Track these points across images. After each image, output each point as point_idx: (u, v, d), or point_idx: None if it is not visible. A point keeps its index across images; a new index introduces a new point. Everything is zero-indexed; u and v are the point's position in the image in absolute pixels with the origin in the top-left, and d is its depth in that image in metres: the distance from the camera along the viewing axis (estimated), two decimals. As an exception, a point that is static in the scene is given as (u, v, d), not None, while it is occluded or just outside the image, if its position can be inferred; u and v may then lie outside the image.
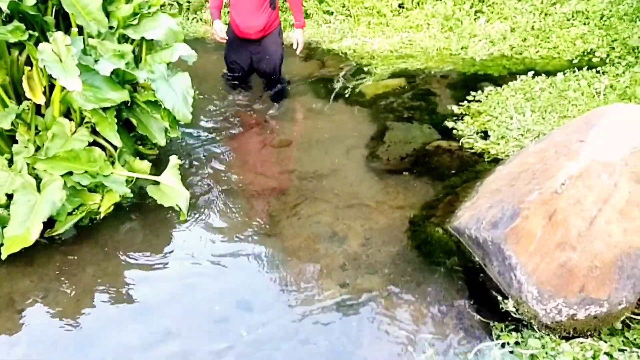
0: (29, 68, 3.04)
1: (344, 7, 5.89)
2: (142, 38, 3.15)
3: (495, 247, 2.62)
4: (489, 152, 3.71)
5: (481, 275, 2.75)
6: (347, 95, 4.50)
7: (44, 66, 2.60)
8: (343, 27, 5.67)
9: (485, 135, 3.90)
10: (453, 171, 3.53)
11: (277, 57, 4.24)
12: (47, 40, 2.90)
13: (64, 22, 3.22)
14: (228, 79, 4.48)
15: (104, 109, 2.97)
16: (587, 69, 4.65)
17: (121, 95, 2.96)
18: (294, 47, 4.23)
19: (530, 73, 4.66)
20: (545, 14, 5.54)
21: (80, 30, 3.06)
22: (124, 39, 3.18)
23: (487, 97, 4.39)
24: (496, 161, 3.58)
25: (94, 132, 3.06)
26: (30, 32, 2.85)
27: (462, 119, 4.11)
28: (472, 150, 3.75)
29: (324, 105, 4.36)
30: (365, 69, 4.96)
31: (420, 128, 4.03)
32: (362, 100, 4.43)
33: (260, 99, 4.40)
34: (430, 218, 3.11)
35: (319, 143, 3.90)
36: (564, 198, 2.47)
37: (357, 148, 3.80)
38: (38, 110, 3.07)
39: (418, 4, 5.90)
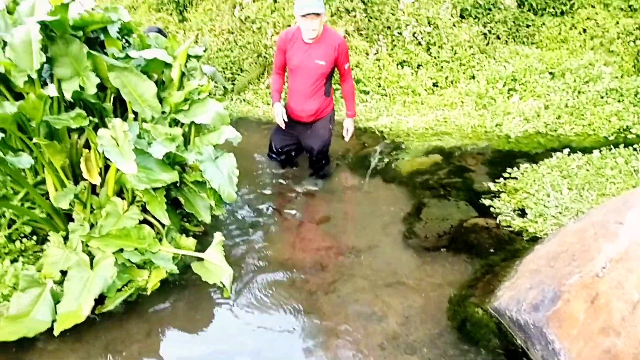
0: (87, 150, 3.21)
1: (379, 86, 6.01)
2: (192, 122, 3.29)
3: (538, 331, 2.58)
4: (527, 230, 3.69)
5: (524, 359, 2.70)
6: (383, 172, 4.56)
7: (103, 150, 2.74)
8: (379, 105, 5.78)
9: (522, 213, 3.88)
10: (491, 249, 3.51)
11: (324, 140, 4.33)
12: (105, 125, 3.08)
13: (120, 107, 3.41)
14: (272, 158, 4.58)
15: (155, 189, 3.08)
16: (624, 147, 4.64)
17: (171, 176, 3.05)
18: (344, 134, 4.35)
19: (566, 150, 4.66)
20: (579, 92, 5.58)
21: (136, 116, 3.25)
22: (174, 122, 3.33)
23: (523, 174, 4.39)
24: (535, 240, 3.56)
25: (144, 210, 3.17)
26: (90, 118, 3.02)
27: (498, 196, 4.12)
28: (510, 228, 3.73)
29: (361, 182, 4.42)
30: (401, 146, 5.01)
31: (456, 205, 4.05)
32: (398, 177, 4.47)
33: (301, 177, 4.47)
34: (470, 297, 3.09)
35: (357, 219, 3.94)
36: (605, 281, 2.46)
37: (394, 224, 3.83)
38: (93, 189, 3.22)
39: (452, 82, 6.00)
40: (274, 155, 4.54)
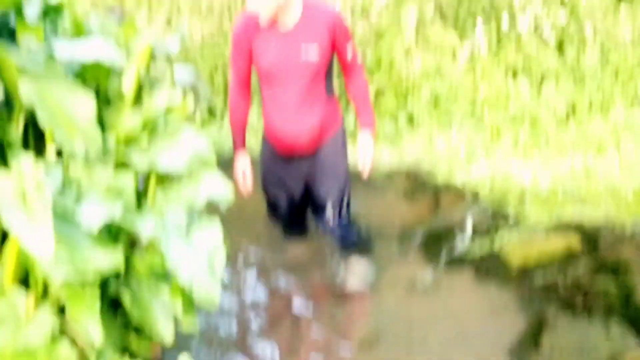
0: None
1: (474, 110, 6.16)
2: (152, 165, 3.24)
3: None
4: None
5: None
6: (475, 262, 4.55)
7: (-2, 210, 2.61)
8: (472, 143, 5.88)
9: None
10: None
11: (341, 176, 4.21)
12: (6, 165, 3.03)
13: (34, 136, 3.36)
14: (274, 220, 4.62)
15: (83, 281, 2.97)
16: None
17: (112, 260, 2.91)
18: (359, 163, 4.20)
19: None
20: None
21: (59, 153, 3.18)
22: (122, 165, 3.30)
23: None
24: None
25: (61, 312, 3.04)
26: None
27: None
28: None
29: (434, 278, 4.40)
30: (510, 217, 4.99)
31: (605, 328, 3.94)
32: (501, 273, 4.43)
33: (326, 258, 4.47)
34: None
35: (427, 345, 3.83)
36: None
37: (494, 357, 3.73)
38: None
39: (601, 108, 6.02)
40: (277, 209, 4.51)
